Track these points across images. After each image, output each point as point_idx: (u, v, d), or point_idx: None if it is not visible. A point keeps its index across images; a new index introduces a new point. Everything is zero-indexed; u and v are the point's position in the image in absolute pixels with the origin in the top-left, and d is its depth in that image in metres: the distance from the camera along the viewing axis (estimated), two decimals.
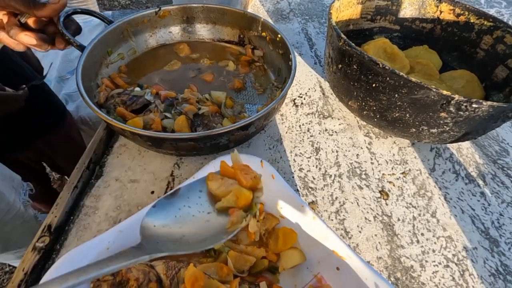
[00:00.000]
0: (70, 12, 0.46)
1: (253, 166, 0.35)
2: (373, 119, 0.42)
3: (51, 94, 0.78)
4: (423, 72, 0.50)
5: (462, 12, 0.49)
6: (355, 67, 0.39)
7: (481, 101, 0.30)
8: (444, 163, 0.45)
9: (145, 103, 0.44)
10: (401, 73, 0.33)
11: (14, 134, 0.67)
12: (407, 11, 0.55)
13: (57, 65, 1.25)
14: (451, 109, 0.32)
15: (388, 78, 0.35)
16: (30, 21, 0.38)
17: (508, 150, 0.49)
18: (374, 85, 0.37)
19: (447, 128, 0.36)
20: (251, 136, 0.43)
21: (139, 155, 0.43)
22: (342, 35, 0.39)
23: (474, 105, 0.30)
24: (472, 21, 0.49)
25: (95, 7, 1.40)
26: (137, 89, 0.46)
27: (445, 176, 0.43)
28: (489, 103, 0.30)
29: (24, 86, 0.62)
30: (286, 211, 0.34)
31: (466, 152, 0.47)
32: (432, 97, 0.33)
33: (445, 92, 0.31)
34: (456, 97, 0.31)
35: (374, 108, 0.39)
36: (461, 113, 0.32)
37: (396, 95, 0.35)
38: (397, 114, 0.37)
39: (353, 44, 0.38)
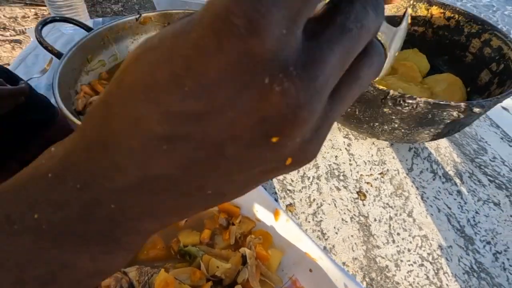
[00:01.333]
0: (49, 20, 0.47)
1: None
2: (375, 132, 0.42)
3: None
4: (406, 74, 0.50)
5: (452, 15, 0.50)
6: None
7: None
8: (422, 162, 0.45)
9: None
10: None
11: (7, 135, 0.66)
12: (398, 15, 0.55)
13: (47, 73, 1.25)
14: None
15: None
16: None
17: (486, 148, 0.49)
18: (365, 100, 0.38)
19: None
20: None
21: None
22: None
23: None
24: (462, 24, 0.49)
25: (85, 14, 1.40)
26: None
27: (422, 176, 0.43)
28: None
29: (23, 81, 0.61)
30: (262, 214, 0.34)
31: (444, 151, 0.47)
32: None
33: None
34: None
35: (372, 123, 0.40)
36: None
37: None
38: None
39: None
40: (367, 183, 0.42)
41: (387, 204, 0.39)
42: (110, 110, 0.09)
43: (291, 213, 0.38)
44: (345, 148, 0.46)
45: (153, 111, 0.08)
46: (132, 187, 0.09)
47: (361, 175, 0.43)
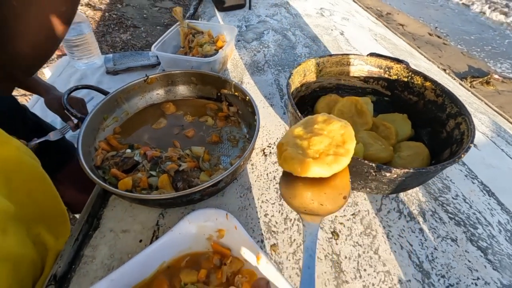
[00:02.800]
0: (73, 89, 0.56)
1: (220, 219, 0.43)
2: None
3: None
4: (383, 133, 0.56)
5: (440, 93, 0.54)
6: None
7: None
8: (390, 202, 0.52)
9: (134, 163, 0.52)
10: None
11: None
12: (398, 81, 0.61)
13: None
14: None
15: None
16: None
17: (449, 187, 0.56)
18: None
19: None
20: (222, 189, 0.51)
21: (130, 207, 0.51)
22: (293, 104, 0.48)
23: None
24: (446, 103, 0.53)
25: (97, 51, 1.53)
26: (128, 150, 0.54)
27: (389, 215, 0.50)
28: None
29: (35, 139, 0.71)
30: (248, 255, 0.41)
31: (411, 191, 0.54)
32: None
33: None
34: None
35: None
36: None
37: None
38: None
39: (297, 110, 0.47)
40: (341, 223, 0.49)
41: (357, 242, 0.46)
42: None
43: (274, 253, 0.45)
44: None
45: None
46: None
47: (335, 216, 0.50)
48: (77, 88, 0.57)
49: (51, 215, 0.55)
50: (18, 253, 0.42)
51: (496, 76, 3.02)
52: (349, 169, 0.42)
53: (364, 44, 1.00)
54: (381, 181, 0.42)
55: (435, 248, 0.46)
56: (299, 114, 0.46)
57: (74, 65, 1.50)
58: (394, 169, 0.38)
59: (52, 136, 0.72)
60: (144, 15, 3.49)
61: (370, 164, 0.39)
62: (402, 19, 4.24)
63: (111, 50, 2.86)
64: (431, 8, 4.53)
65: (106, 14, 3.35)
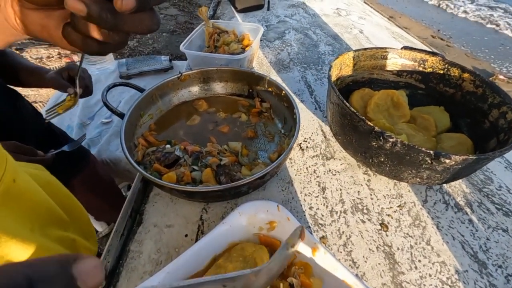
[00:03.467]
0: (111, 86, 0.57)
1: (271, 210, 0.42)
2: (367, 162, 0.49)
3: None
4: (422, 125, 0.56)
5: (480, 84, 0.54)
6: (347, 118, 0.47)
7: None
8: (435, 194, 0.51)
9: (175, 158, 0.52)
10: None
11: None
12: (433, 74, 0.61)
13: (78, 111, 1.37)
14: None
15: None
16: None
17: (492, 178, 0.55)
18: (359, 132, 0.45)
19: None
20: (266, 182, 0.50)
21: (172, 202, 0.51)
22: (338, 94, 0.48)
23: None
24: (487, 94, 0.53)
25: (109, 56, 1.55)
26: (168, 146, 0.54)
27: (436, 207, 0.49)
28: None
29: (52, 150, 0.69)
30: (302, 247, 0.41)
31: (454, 183, 0.54)
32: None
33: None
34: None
35: (367, 152, 0.47)
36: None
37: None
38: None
39: (342, 97, 0.47)
40: (388, 215, 0.48)
41: (407, 234, 0.45)
42: None
43: (325, 245, 0.44)
44: (366, 184, 0.53)
45: None
46: None
47: (382, 208, 0.49)
48: (115, 85, 0.57)
49: (77, 219, 0.54)
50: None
51: (501, 77, 3.02)
52: (403, 157, 0.42)
53: (384, 42, 1.00)
54: (435, 169, 0.41)
55: (488, 239, 0.45)
56: (346, 104, 0.46)
57: (88, 69, 1.51)
58: (454, 156, 0.37)
59: (68, 148, 0.70)
60: None
61: (428, 151, 0.38)
62: (405, 22, 4.27)
63: (118, 56, 2.89)
64: (434, 12, 4.56)
65: None
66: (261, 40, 0.94)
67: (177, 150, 0.53)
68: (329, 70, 0.53)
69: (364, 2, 1.57)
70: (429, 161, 0.40)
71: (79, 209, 0.57)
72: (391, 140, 0.40)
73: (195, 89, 0.67)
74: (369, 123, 0.42)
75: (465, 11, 4.32)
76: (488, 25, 4.02)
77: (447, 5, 4.52)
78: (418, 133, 0.51)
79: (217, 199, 0.49)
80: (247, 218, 0.43)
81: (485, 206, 0.50)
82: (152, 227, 0.47)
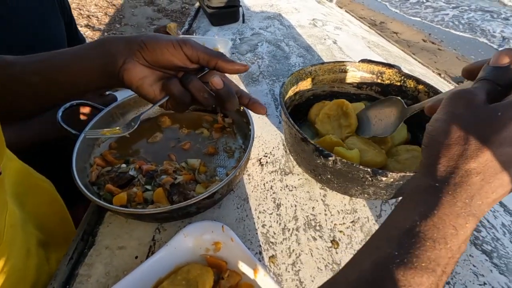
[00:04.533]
0: (68, 106, 0.57)
1: (216, 231, 0.42)
2: (317, 179, 0.49)
3: None
4: (377, 138, 0.55)
5: (434, 96, 0.54)
6: (293, 135, 0.47)
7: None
8: (390, 208, 0.51)
9: (129, 178, 0.52)
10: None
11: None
12: (391, 86, 0.61)
13: None
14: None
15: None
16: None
17: None
18: (305, 150, 0.46)
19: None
20: (218, 201, 0.50)
21: (126, 223, 0.50)
22: (286, 112, 0.48)
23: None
24: None
25: None
26: (123, 165, 0.54)
27: None
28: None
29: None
30: (245, 269, 0.40)
31: None
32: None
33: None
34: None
35: (316, 170, 0.47)
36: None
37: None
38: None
39: (288, 115, 0.47)
40: (340, 231, 0.48)
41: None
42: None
43: (273, 264, 0.44)
44: (321, 199, 0.52)
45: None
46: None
47: (334, 224, 0.49)
48: (72, 105, 0.57)
49: (59, 237, 0.54)
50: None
51: None
52: (346, 175, 0.42)
53: (358, 52, 1.01)
54: (378, 186, 0.41)
55: None
56: (292, 122, 0.46)
57: None
58: (390, 173, 0.37)
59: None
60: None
61: (366, 169, 0.38)
62: (396, 27, 4.31)
63: None
64: (425, 17, 4.61)
65: (105, 34, 3.42)
66: (233, 53, 0.95)
67: (132, 170, 0.53)
68: (281, 87, 0.53)
69: (345, 11, 1.59)
70: (370, 178, 0.40)
71: (71, 233, 0.57)
72: (330, 158, 0.40)
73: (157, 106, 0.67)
74: (311, 141, 0.42)
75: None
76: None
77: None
78: (369, 147, 0.51)
79: (168, 220, 0.49)
80: (192, 239, 0.43)
81: None
82: (104, 250, 0.47)
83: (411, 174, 0.38)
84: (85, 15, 3.61)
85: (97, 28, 3.47)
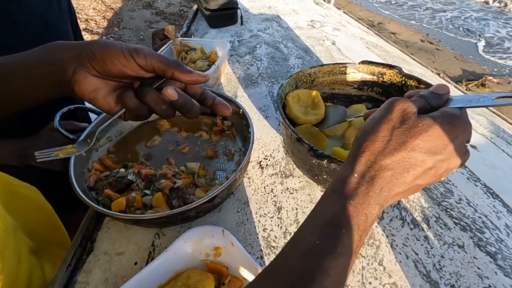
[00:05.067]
0: (66, 111, 0.56)
1: (216, 236, 0.42)
2: (315, 180, 0.49)
3: None
4: None
5: None
6: (289, 136, 0.47)
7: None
8: (392, 210, 0.51)
9: (128, 183, 0.51)
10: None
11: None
12: (392, 86, 0.60)
13: None
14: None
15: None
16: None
17: (452, 191, 0.54)
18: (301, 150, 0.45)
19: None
20: (218, 205, 0.50)
21: (125, 227, 0.50)
22: (282, 112, 0.48)
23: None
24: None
25: None
26: (122, 170, 0.53)
27: (392, 224, 0.48)
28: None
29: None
30: (247, 274, 0.40)
31: (412, 197, 0.53)
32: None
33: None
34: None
35: (312, 170, 0.47)
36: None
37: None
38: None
39: (284, 115, 0.47)
40: None
41: (360, 254, 0.44)
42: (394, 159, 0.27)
43: None
44: None
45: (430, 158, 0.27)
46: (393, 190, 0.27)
47: None
48: (69, 109, 0.56)
49: (51, 244, 0.53)
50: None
51: (491, 78, 3.05)
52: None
53: (357, 53, 1.00)
54: None
55: (442, 256, 0.44)
56: (287, 122, 0.45)
57: None
58: None
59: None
60: (141, 37, 3.57)
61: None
62: (394, 28, 4.32)
63: None
64: (423, 18, 4.62)
65: (104, 37, 3.42)
66: (231, 56, 0.95)
67: (130, 174, 0.52)
68: (279, 88, 0.53)
69: (344, 12, 1.59)
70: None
71: (64, 239, 0.56)
72: (325, 158, 0.39)
73: None
74: (306, 141, 0.42)
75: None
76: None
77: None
78: None
79: (168, 225, 0.48)
80: (192, 244, 0.42)
81: (442, 221, 0.49)
82: (102, 255, 0.46)
83: None
84: (83, 19, 3.61)
85: (96, 31, 3.47)
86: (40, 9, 0.64)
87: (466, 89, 2.81)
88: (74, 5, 0.77)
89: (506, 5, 4.56)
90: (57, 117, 0.54)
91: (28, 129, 0.61)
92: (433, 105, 0.29)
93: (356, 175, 0.27)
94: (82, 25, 3.47)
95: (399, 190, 0.27)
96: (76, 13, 0.79)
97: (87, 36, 3.29)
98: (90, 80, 0.33)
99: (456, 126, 0.27)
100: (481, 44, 3.78)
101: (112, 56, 0.32)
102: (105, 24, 3.66)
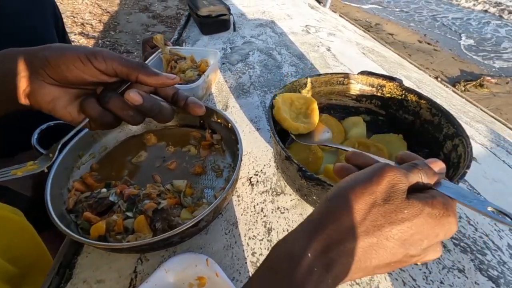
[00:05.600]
0: (44, 128, 0.53)
1: (200, 265, 0.39)
2: (304, 199, 0.46)
3: None
4: (375, 155, 0.53)
5: (436, 112, 0.51)
6: (278, 152, 0.44)
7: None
8: None
9: (109, 204, 0.48)
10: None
11: None
12: (392, 100, 0.58)
13: None
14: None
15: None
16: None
17: None
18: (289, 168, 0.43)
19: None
20: (204, 228, 0.47)
21: (106, 253, 0.47)
22: (272, 127, 0.45)
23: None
24: (442, 123, 0.50)
25: None
26: (104, 190, 0.51)
27: None
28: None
29: None
30: None
31: None
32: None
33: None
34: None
35: (301, 190, 0.44)
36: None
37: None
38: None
39: (274, 128, 0.44)
40: None
41: (354, 281, 0.42)
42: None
43: None
44: None
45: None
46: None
47: None
48: (48, 126, 0.54)
49: (35, 270, 0.50)
50: None
51: (489, 78, 3.03)
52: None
53: (352, 59, 0.98)
54: None
55: (441, 282, 0.42)
56: (277, 138, 0.43)
57: None
58: None
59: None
60: (137, 40, 3.54)
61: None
62: (391, 29, 4.31)
63: None
64: (420, 19, 4.62)
65: (100, 41, 3.40)
66: (223, 63, 0.92)
67: (112, 195, 0.49)
68: (272, 99, 0.50)
69: (340, 15, 1.57)
70: None
71: (46, 261, 0.53)
72: (313, 180, 0.37)
73: (143, 122, 0.64)
74: (295, 160, 0.39)
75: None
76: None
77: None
78: None
79: (150, 251, 0.45)
80: (174, 274, 0.40)
81: (441, 242, 0.46)
82: (81, 284, 0.44)
83: None
84: (79, 23, 3.59)
85: (92, 35, 3.45)
86: (21, 15, 0.61)
87: (464, 90, 2.80)
88: (70, 9, 0.75)
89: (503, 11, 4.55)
90: (35, 135, 0.52)
91: (6, 150, 0.59)
92: (424, 182, 0.25)
93: (309, 254, 0.21)
94: (78, 29, 3.45)
95: (354, 277, 0.23)
96: (72, 17, 0.76)
97: (82, 41, 3.27)
98: (47, 89, 0.30)
99: (443, 224, 0.22)
100: (472, 43, 3.77)
101: (68, 61, 0.29)
102: (101, 28, 3.63)
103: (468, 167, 0.39)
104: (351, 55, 1.01)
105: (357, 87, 0.60)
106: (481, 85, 2.89)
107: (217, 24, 1.10)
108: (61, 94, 0.31)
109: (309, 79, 0.58)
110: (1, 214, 0.47)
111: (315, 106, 0.54)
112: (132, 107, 0.32)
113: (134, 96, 0.31)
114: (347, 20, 1.50)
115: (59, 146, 0.37)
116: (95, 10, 3.96)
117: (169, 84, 0.32)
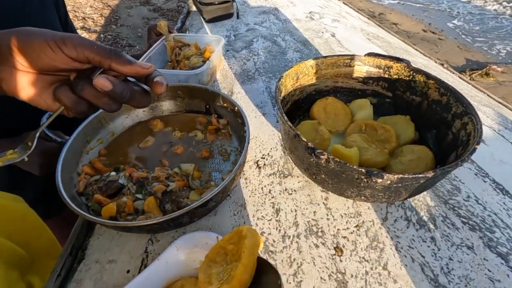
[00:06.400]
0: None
1: (211, 242, 0.39)
2: (313, 179, 0.46)
3: None
4: (382, 137, 0.53)
5: (445, 92, 0.50)
6: (287, 132, 0.44)
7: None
8: (396, 210, 0.48)
9: (119, 187, 0.49)
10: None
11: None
12: (399, 81, 0.57)
13: None
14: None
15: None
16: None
17: (460, 188, 0.52)
18: (298, 148, 0.43)
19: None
20: (213, 209, 0.47)
21: (117, 234, 0.48)
22: (280, 107, 0.45)
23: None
24: (451, 102, 0.49)
25: None
26: (113, 173, 0.51)
27: (396, 225, 0.46)
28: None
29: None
30: None
31: (418, 196, 0.50)
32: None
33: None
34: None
35: (310, 169, 0.44)
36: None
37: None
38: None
39: (282, 110, 0.44)
40: (344, 237, 0.45)
41: (363, 258, 0.42)
42: None
43: None
44: (323, 203, 0.49)
45: None
46: None
47: (338, 229, 0.46)
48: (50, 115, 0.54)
49: (41, 254, 0.51)
50: None
51: (495, 67, 2.98)
52: (340, 175, 0.39)
53: (357, 45, 0.97)
54: (375, 188, 0.38)
55: (450, 258, 0.42)
56: (285, 118, 0.43)
57: None
58: (387, 174, 0.34)
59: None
60: (139, 34, 3.53)
61: (359, 169, 0.35)
62: (395, 18, 4.24)
63: None
64: (424, 8, 4.53)
65: (102, 35, 3.38)
66: (227, 51, 0.92)
67: (121, 178, 0.50)
68: (279, 80, 0.50)
69: (343, 3, 1.54)
70: (365, 180, 0.36)
71: (53, 245, 0.54)
72: (322, 157, 0.37)
73: (148, 108, 0.64)
74: (303, 138, 0.39)
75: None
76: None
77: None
78: (371, 146, 0.48)
79: (160, 231, 0.46)
80: (185, 252, 0.40)
81: (450, 220, 0.47)
82: (94, 264, 0.44)
83: (410, 176, 0.35)
84: (80, 17, 3.57)
85: (93, 30, 3.44)
86: (18, 2, 0.61)
87: (470, 79, 2.76)
88: (71, 3, 0.74)
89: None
90: (44, 119, 0.52)
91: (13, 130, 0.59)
92: None
93: None
94: (79, 24, 3.44)
95: None
96: (74, 12, 0.76)
97: (84, 35, 3.26)
98: (18, 76, 0.29)
99: None
100: (477, 30, 3.70)
101: (37, 49, 0.28)
102: (102, 22, 3.61)
103: (478, 143, 0.39)
104: (356, 41, 1.00)
105: (364, 69, 0.60)
106: (487, 74, 2.85)
107: (220, 11, 1.09)
108: (34, 81, 0.30)
109: (315, 61, 0.58)
110: (4, 202, 0.48)
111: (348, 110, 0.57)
112: (107, 94, 0.30)
113: (103, 82, 0.29)
114: (351, 7, 1.48)
115: (37, 134, 0.36)
116: (96, 4, 3.94)
117: (144, 73, 0.31)
